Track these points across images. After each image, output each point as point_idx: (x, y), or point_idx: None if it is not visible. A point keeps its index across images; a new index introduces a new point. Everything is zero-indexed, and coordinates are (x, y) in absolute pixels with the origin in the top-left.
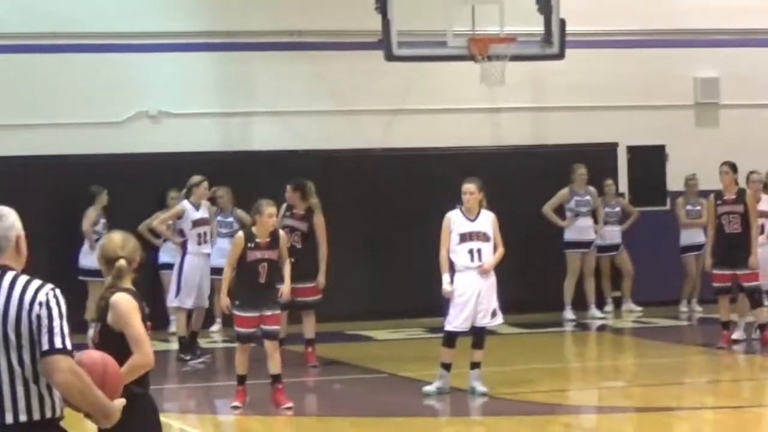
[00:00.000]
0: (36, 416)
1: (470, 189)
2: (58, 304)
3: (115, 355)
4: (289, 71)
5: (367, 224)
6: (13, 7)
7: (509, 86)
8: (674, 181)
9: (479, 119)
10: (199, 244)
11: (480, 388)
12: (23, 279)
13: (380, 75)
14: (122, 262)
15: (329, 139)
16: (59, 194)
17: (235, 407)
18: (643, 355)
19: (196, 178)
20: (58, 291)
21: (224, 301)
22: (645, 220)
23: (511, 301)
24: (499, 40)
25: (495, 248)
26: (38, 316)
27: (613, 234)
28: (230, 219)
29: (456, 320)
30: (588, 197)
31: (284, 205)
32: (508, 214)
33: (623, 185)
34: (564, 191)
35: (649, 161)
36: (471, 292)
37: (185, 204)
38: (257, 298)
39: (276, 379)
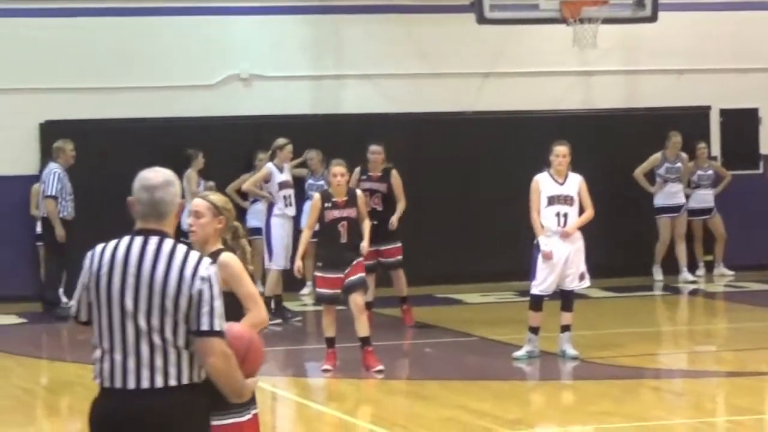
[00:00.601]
0: (184, 380)
1: (563, 152)
2: (217, 281)
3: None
4: (380, 34)
5: (457, 188)
6: None
7: (601, 49)
8: (767, 144)
9: (570, 83)
10: (285, 206)
11: (570, 351)
12: (182, 248)
13: (472, 38)
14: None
15: (420, 102)
16: (155, 156)
17: (326, 370)
18: (735, 319)
19: (280, 141)
20: (215, 266)
21: (297, 263)
22: (737, 183)
23: (601, 264)
24: (591, 3)
25: (583, 211)
26: (200, 292)
27: (705, 198)
28: (321, 182)
29: (542, 284)
30: (679, 164)
31: (358, 169)
32: (599, 177)
33: (716, 149)
34: (656, 156)
35: (742, 124)
36: (558, 256)
37: (270, 166)
38: (339, 258)
39: (365, 341)
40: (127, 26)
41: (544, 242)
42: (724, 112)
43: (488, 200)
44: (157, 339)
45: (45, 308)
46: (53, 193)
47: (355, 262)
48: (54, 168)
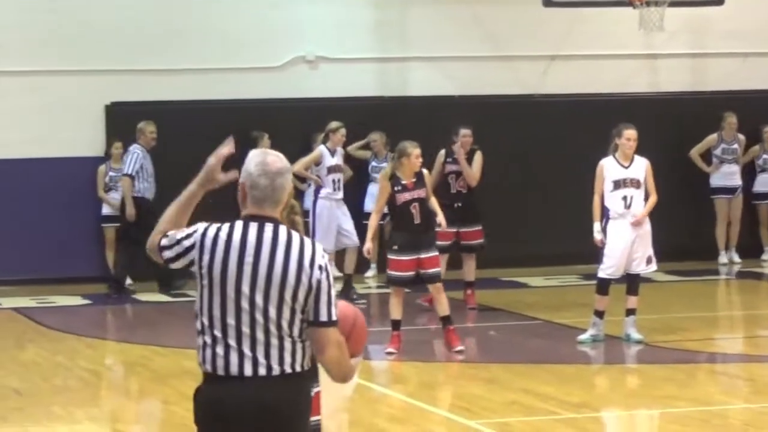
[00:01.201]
0: (297, 368)
1: (634, 135)
2: (331, 270)
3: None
4: (445, 16)
5: (522, 171)
6: None
7: (667, 32)
8: None
9: (636, 65)
10: (333, 190)
11: (635, 335)
12: (297, 237)
13: (538, 20)
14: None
15: (485, 85)
16: (221, 138)
17: (390, 353)
18: None
19: (334, 124)
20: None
21: (368, 245)
22: None
23: (666, 248)
24: None
25: (647, 195)
26: (318, 282)
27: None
28: (384, 164)
29: (609, 267)
30: (735, 146)
31: (443, 152)
32: (664, 161)
33: None
34: (712, 137)
35: None
36: (625, 240)
37: (322, 149)
38: (415, 240)
39: (446, 320)
40: (195, 7)
41: (597, 228)
42: None
43: (553, 183)
44: (273, 328)
45: (110, 287)
46: (129, 172)
47: (432, 253)
48: (135, 148)
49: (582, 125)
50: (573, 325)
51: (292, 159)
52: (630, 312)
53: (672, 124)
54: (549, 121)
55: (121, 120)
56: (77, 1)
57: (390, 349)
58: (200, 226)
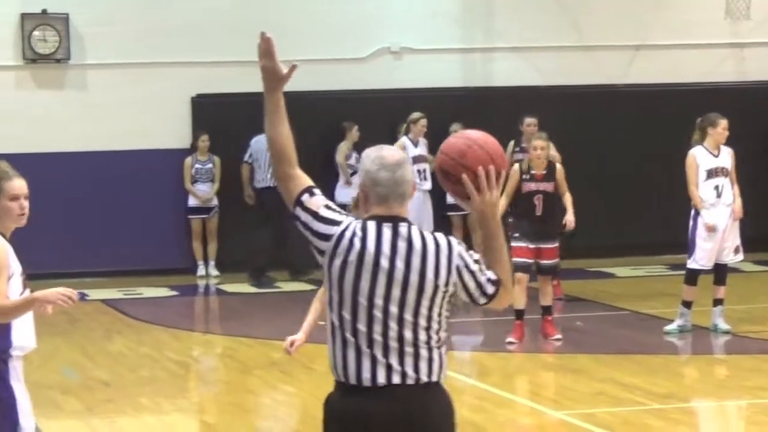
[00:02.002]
0: (434, 378)
1: (727, 125)
2: (466, 250)
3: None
4: (530, 6)
5: (607, 161)
6: None
7: (754, 20)
8: None
9: (723, 54)
10: (419, 180)
11: (723, 325)
12: (431, 238)
13: (622, 10)
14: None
15: (569, 75)
16: (309, 130)
17: (511, 342)
18: None
19: (414, 115)
20: (461, 243)
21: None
22: None
23: (754, 238)
24: None
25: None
26: (460, 274)
27: None
28: None
29: (702, 258)
30: None
31: (512, 142)
32: (751, 150)
33: None
34: None
35: None
36: (720, 228)
37: (404, 140)
38: (534, 230)
39: (546, 310)
40: (280, 1)
41: (708, 215)
42: None
43: (639, 173)
44: (408, 336)
45: (250, 275)
46: (246, 160)
47: (548, 246)
48: (258, 137)
49: (667, 115)
50: (660, 315)
51: None
52: (717, 302)
53: (759, 114)
54: (634, 112)
55: (207, 112)
56: None
57: (511, 339)
58: (343, 222)
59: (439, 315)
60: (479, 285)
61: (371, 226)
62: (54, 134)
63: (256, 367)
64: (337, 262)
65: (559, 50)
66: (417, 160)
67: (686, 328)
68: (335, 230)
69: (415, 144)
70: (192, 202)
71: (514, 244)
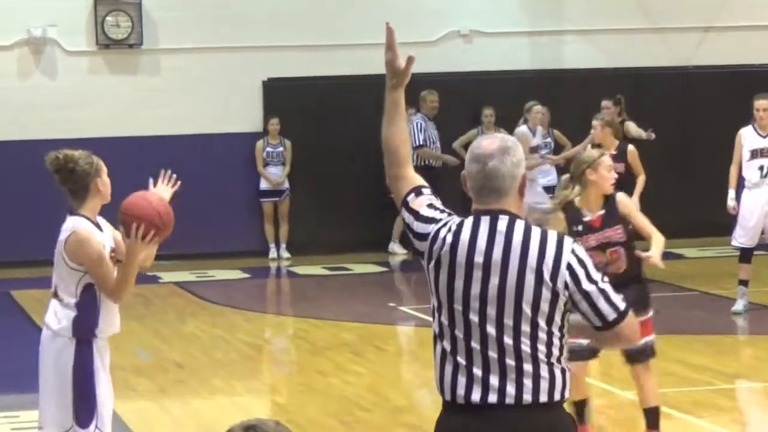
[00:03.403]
0: (543, 398)
1: (764, 105)
2: (586, 256)
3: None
4: None
5: (677, 142)
6: None
7: None
8: None
9: None
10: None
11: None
12: (537, 232)
13: None
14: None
15: (639, 57)
16: (376, 114)
17: None
18: None
19: (529, 103)
20: (577, 244)
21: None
22: None
23: None
24: None
25: None
26: (574, 274)
27: None
28: (548, 139)
29: (742, 237)
30: None
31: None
32: None
33: None
34: None
35: None
36: (760, 208)
37: (524, 129)
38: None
39: None
40: None
41: (732, 196)
42: None
43: (708, 155)
44: (508, 346)
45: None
46: (417, 144)
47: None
48: (417, 118)
49: (736, 96)
50: (729, 296)
51: (455, 131)
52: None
53: None
54: (703, 93)
55: (278, 96)
56: None
57: None
58: (441, 220)
59: (549, 324)
60: (595, 310)
61: (468, 221)
62: (127, 119)
63: (327, 348)
64: (433, 262)
65: (628, 33)
66: (535, 149)
67: (748, 306)
68: (432, 228)
69: (534, 132)
70: (263, 185)
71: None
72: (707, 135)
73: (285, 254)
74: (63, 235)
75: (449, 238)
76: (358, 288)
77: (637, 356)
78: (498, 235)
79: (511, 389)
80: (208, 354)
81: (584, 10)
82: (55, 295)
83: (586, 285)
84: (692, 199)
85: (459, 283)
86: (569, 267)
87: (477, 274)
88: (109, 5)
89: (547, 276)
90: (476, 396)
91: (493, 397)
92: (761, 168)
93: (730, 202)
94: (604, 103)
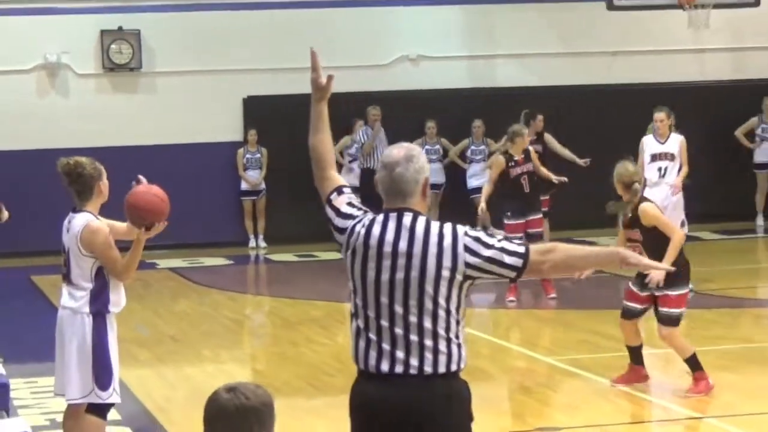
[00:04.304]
0: (441, 369)
1: (660, 117)
2: (469, 231)
3: (657, 248)
4: (524, 20)
5: (591, 148)
6: None
7: (712, 29)
8: None
9: (685, 59)
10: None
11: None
12: (435, 223)
13: (602, 22)
14: (637, 185)
15: (559, 77)
16: (341, 125)
17: (511, 301)
18: None
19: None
20: (458, 225)
21: (483, 206)
22: None
23: (713, 211)
24: None
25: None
26: (471, 251)
27: None
28: (482, 147)
29: None
30: None
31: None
32: (708, 139)
33: None
34: (754, 119)
35: None
36: (660, 203)
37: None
38: (524, 206)
39: None
40: (315, 17)
41: (648, 193)
42: None
43: (618, 159)
44: (414, 321)
45: None
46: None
47: (537, 216)
48: (362, 129)
49: (639, 109)
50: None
51: (402, 140)
52: None
53: (716, 108)
54: (612, 107)
55: (256, 111)
56: (219, 14)
57: (511, 298)
58: (357, 216)
59: (447, 303)
60: (504, 265)
61: (379, 217)
62: (128, 130)
63: (298, 323)
64: (350, 251)
65: (549, 56)
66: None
67: None
68: (349, 223)
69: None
70: (244, 186)
71: (508, 222)
72: (616, 142)
73: (262, 244)
74: (77, 230)
75: (363, 232)
76: (324, 272)
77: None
78: (404, 229)
79: (414, 361)
80: (197, 328)
81: (514, 37)
82: (69, 280)
83: (487, 252)
84: (604, 197)
85: (371, 271)
86: (466, 247)
87: (386, 263)
88: (113, 35)
89: (447, 261)
90: (385, 367)
91: (399, 368)
92: (660, 169)
93: None
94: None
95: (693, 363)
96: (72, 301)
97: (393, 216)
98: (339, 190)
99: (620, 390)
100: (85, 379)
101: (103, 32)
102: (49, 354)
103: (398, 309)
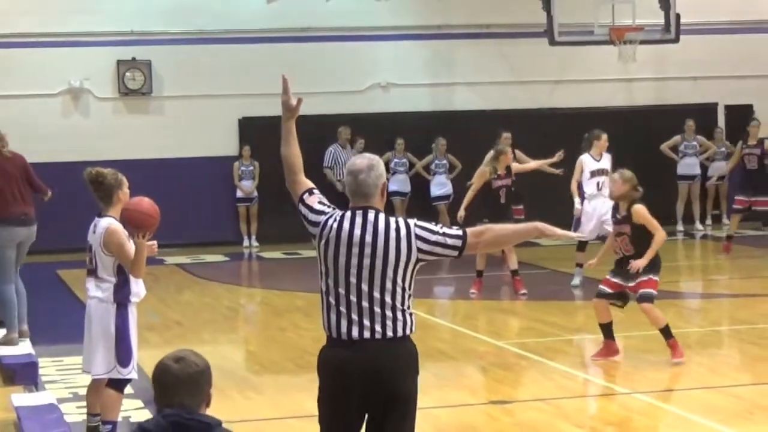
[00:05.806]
0: (399, 333)
1: (606, 138)
2: (419, 223)
3: (641, 242)
4: (480, 52)
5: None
6: (289, 10)
7: (639, 62)
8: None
9: (616, 87)
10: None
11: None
12: (392, 219)
13: (546, 55)
14: (639, 188)
15: (509, 101)
16: (319, 143)
17: (473, 293)
18: (735, 256)
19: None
20: (416, 221)
21: (462, 213)
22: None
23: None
24: (631, 29)
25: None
26: (421, 238)
27: (720, 168)
28: (444, 161)
29: (584, 232)
30: (695, 142)
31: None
32: (635, 155)
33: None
34: (677, 137)
35: (741, 117)
36: (597, 212)
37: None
38: (499, 214)
39: (515, 272)
40: (302, 49)
41: (578, 202)
42: (727, 108)
43: (560, 177)
44: (377, 296)
45: None
46: (329, 165)
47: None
48: (332, 147)
49: (579, 131)
50: (570, 272)
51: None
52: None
53: (642, 130)
54: (554, 128)
55: (250, 129)
56: (218, 47)
57: (473, 291)
58: (328, 213)
59: (403, 281)
60: (447, 246)
61: (347, 214)
62: (140, 146)
63: (285, 311)
64: (323, 242)
65: (501, 84)
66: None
67: (582, 281)
68: (322, 218)
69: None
70: (239, 194)
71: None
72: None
73: (255, 243)
74: (100, 231)
75: (335, 226)
76: (308, 268)
77: (643, 300)
78: (368, 224)
79: (378, 327)
80: (199, 315)
81: (470, 67)
82: (95, 275)
83: (433, 237)
84: (548, 206)
85: (342, 257)
86: (417, 236)
87: (355, 251)
88: (128, 65)
89: (403, 248)
90: (355, 333)
91: (366, 334)
92: (597, 184)
93: (578, 206)
94: (505, 134)
95: (666, 332)
96: (99, 292)
97: (359, 213)
98: (310, 191)
99: (560, 369)
100: (108, 358)
101: (119, 62)
102: (72, 337)
103: (364, 287)
